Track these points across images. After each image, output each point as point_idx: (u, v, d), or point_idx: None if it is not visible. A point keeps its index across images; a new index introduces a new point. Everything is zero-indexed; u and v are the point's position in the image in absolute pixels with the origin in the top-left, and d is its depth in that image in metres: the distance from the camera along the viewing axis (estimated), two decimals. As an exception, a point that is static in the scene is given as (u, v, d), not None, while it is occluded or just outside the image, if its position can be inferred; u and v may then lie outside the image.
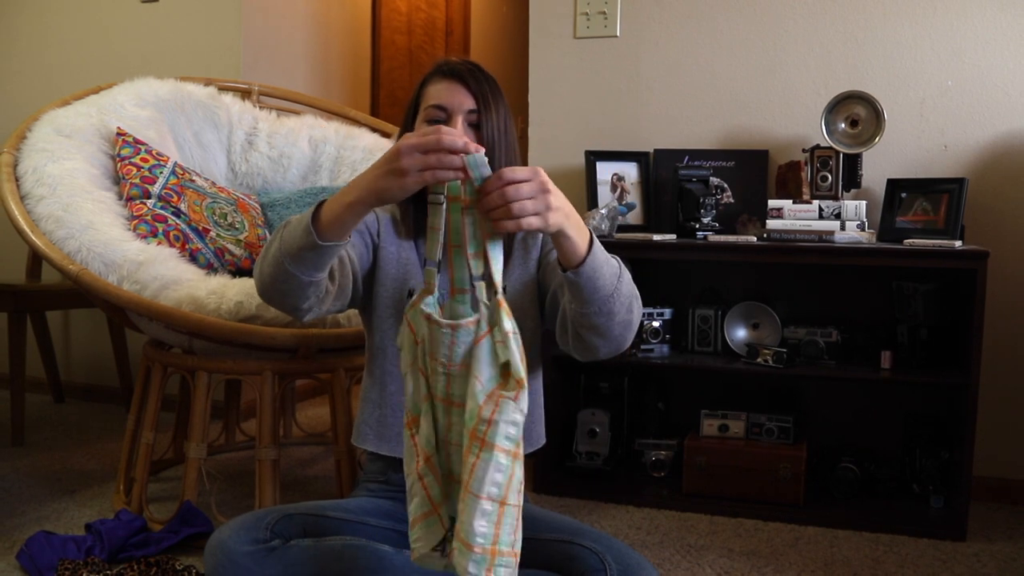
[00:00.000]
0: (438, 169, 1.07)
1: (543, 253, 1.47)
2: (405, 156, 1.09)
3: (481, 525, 1.01)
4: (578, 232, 1.14)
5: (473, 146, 1.06)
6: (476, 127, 1.40)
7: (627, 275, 1.23)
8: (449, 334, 1.09)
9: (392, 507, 1.47)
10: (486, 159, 1.06)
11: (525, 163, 1.48)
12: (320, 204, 1.20)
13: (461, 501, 1.03)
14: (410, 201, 1.46)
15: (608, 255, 1.21)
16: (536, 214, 1.06)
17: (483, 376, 1.05)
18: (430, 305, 1.12)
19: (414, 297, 1.13)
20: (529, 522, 1.39)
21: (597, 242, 1.18)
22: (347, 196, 1.17)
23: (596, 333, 1.24)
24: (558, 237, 1.13)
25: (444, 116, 1.39)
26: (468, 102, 1.39)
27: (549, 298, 1.43)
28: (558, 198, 1.09)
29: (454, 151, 1.06)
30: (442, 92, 1.41)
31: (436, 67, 1.44)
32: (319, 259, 1.21)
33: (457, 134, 1.07)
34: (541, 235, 1.46)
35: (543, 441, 1.53)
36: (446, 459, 1.12)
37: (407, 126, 1.47)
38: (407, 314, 1.14)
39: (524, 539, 1.33)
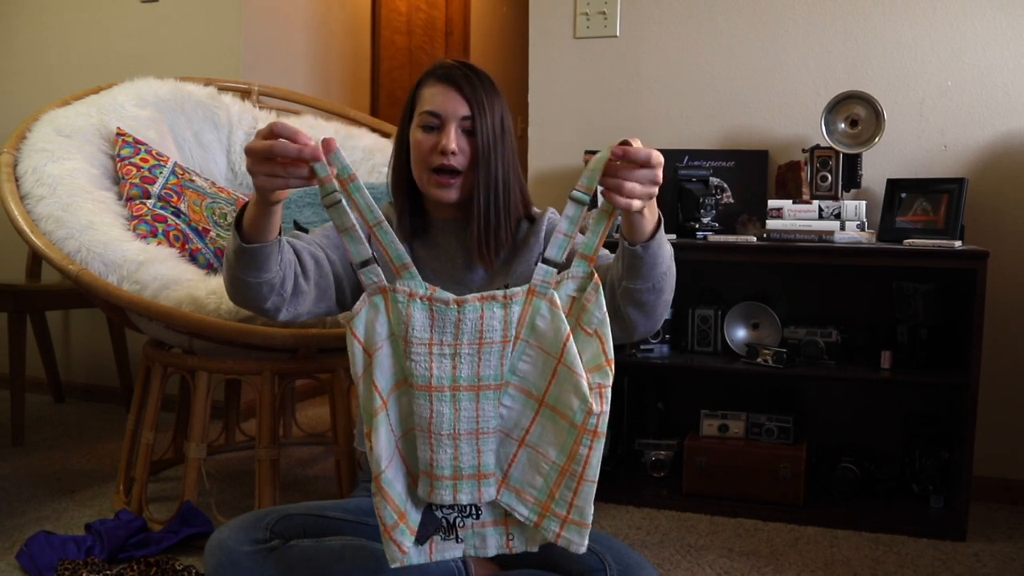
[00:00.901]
0: (286, 178, 1.09)
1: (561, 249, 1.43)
2: (251, 163, 1.10)
3: (591, 505, 1.13)
4: (651, 210, 1.17)
5: (310, 150, 1.06)
6: (471, 133, 1.39)
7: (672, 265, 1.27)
8: (455, 310, 1.11)
9: None
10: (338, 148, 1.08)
11: (524, 164, 1.47)
12: (243, 209, 1.21)
13: (573, 490, 1.11)
14: (405, 201, 1.47)
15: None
16: (640, 200, 1.10)
17: (579, 369, 1.09)
18: (421, 286, 1.12)
19: (382, 286, 1.12)
20: None
21: (662, 218, 1.21)
22: (251, 199, 1.18)
23: (642, 311, 1.25)
24: (636, 214, 1.15)
25: (438, 123, 1.38)
26: (462, 108, 1.38)
27: None
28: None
29: (293, 160, 1.07)
30: (436, 98, 1.39)
31: (431, 70, 1.43)
32: (254, 260, 1.21)
33: (288, 135, 1.07)
34: (543, 229, 1.45)
35: None
36: (430, 450, 1.12)
37: (404, 128, 1.46)
38: (374, 303, 1.12)
39: None
